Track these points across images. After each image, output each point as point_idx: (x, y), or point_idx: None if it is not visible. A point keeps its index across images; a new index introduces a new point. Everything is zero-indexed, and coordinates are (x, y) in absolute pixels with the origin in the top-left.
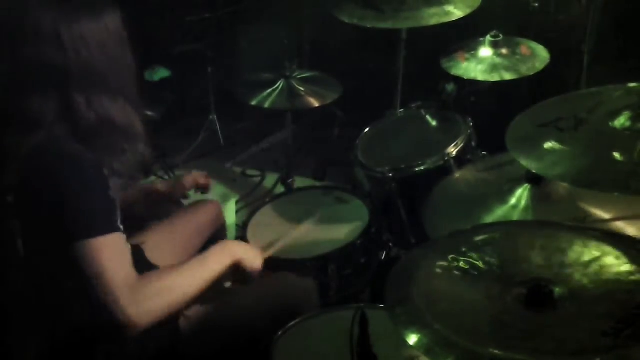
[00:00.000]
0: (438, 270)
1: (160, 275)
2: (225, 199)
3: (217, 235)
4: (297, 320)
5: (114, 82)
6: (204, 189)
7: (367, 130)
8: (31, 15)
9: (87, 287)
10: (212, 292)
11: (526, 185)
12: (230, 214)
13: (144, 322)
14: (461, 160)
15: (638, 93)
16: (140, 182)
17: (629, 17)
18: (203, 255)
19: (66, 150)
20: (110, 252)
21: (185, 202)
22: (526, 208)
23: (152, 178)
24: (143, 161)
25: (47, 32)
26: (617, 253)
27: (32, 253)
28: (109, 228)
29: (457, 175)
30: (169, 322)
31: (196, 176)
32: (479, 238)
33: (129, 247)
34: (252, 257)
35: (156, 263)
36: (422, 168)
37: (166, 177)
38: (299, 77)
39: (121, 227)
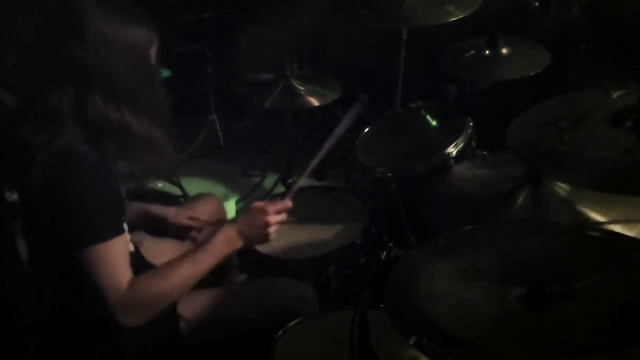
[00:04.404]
0: (438, 270)
1: (154, 278)
2: (225, 199)
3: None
4: (297, 320)
5: (134, 94)
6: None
7: (367, 130)
8: (62, 5)
9: (82, 289)
10: (211, 293)
11: (526, 185)
12: (231, 214)
13: (135, 323)
14: (461, 160)
15: (638, 93)
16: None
17: (628, 17)
18: (200, 251)
19: (75, 151)
20: (110, 258)
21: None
22: (526, 208)
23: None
24: (159, 170)
25: (73, 25)
26: (617, 253)
27: (35, 252)
28: (113, 232)
29: (457, 175)
30: (168, 323)
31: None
32: (479, 238)
33: (130, 246)
34: (257, 236)
35: (153, 261)
36: (422, 168)
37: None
38: (299, 77)
39: (125, 226)
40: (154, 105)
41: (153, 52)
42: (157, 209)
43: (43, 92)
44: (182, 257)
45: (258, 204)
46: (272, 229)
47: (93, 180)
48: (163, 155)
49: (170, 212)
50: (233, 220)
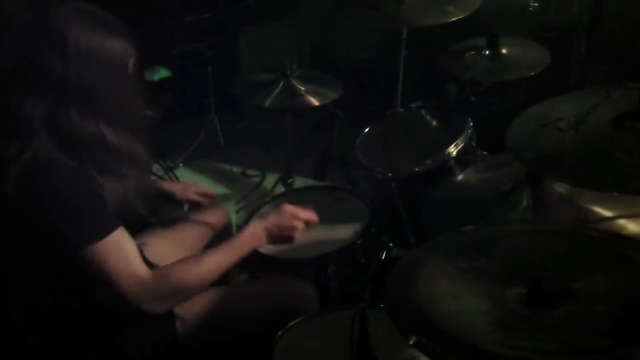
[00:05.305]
0: (438, 270)
1: (179, 268)
2: (225, 199)
3: (221, 238)
4: (297, 320)
5: (111, 107)
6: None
7: (367, 130)
8: (41, 16)
9: (82, 290)
10: (210, 293)
11: (526, 185)
12: (231, 214)
13: (159, 311)
14: (461, 160)
15: (638, 93)
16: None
17: (628, 17)
18: (226, 244)
19: (49, 160)
20: (118, 250)
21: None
22: (526, 208)
23: (152, 178)
24: (143, 186)
25: (53, 37)
26: (617, 252)
27: (24, 258)
28: (110, 227)
29: (457, 175)
30: (165, 324)
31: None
32: (479, 238)
33: (131, 239)
34: (283, 237)
35: (157, 263)
36: (422, 168)
37: (166, 177)
38: (299, 76)
39: (118, 222)
40: (132, 118)
41: (131, 64)
42: (166, 185)
43: (16, 101)
44: (208, 250)
45: (289, 206)
46: (298, 233)
47: (75, 184)
48: (143, 169)
49: (178, 188)
50: (262, 217)
